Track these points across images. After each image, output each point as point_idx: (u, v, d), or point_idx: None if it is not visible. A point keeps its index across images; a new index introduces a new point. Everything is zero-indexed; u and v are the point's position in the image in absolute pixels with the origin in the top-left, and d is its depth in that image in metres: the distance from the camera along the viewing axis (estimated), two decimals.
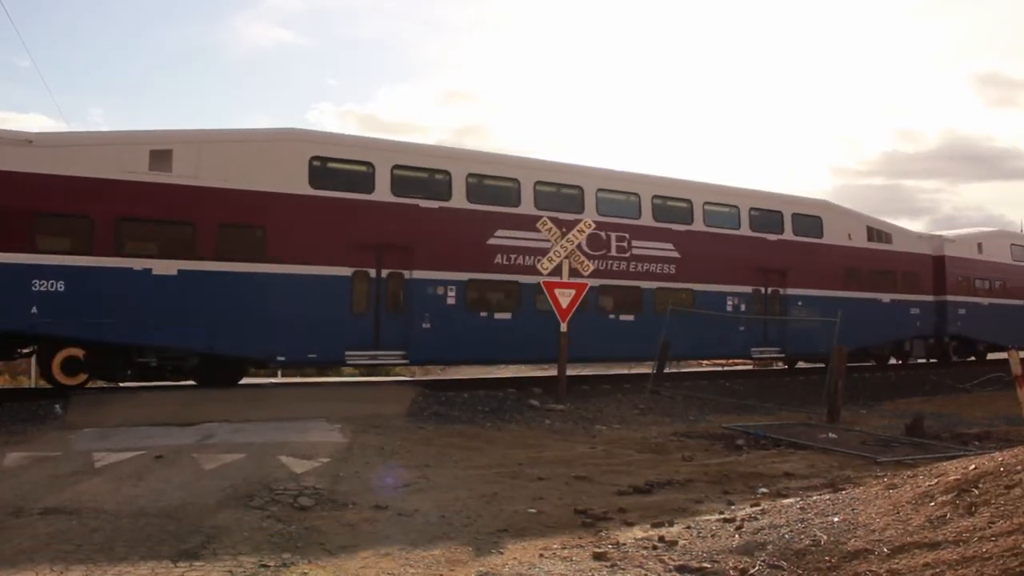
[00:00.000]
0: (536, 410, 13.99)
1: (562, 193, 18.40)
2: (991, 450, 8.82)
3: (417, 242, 16.07)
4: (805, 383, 18.73)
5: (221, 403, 12.98)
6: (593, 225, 16.07)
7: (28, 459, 8.92)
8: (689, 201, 19.97)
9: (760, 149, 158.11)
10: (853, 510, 6.02)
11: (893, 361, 25.71)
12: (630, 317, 18.62)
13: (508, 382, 17.63)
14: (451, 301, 16.40)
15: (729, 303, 20.42)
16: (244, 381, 19.33)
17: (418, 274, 16.13)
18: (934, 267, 25.39)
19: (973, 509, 5.25)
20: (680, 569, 5.32)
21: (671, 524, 6.62)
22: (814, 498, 6.97)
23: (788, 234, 21.66)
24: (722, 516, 6.82)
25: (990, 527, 4.88)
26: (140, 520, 6.52)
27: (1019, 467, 5.73)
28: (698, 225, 19.88)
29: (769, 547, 5.49)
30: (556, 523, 6.78)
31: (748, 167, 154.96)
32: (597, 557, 5.56)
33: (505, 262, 17.08)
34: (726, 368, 24.39)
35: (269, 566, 5.46)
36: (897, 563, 4.78)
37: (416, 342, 15.99)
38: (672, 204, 19.89)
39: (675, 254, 19.35)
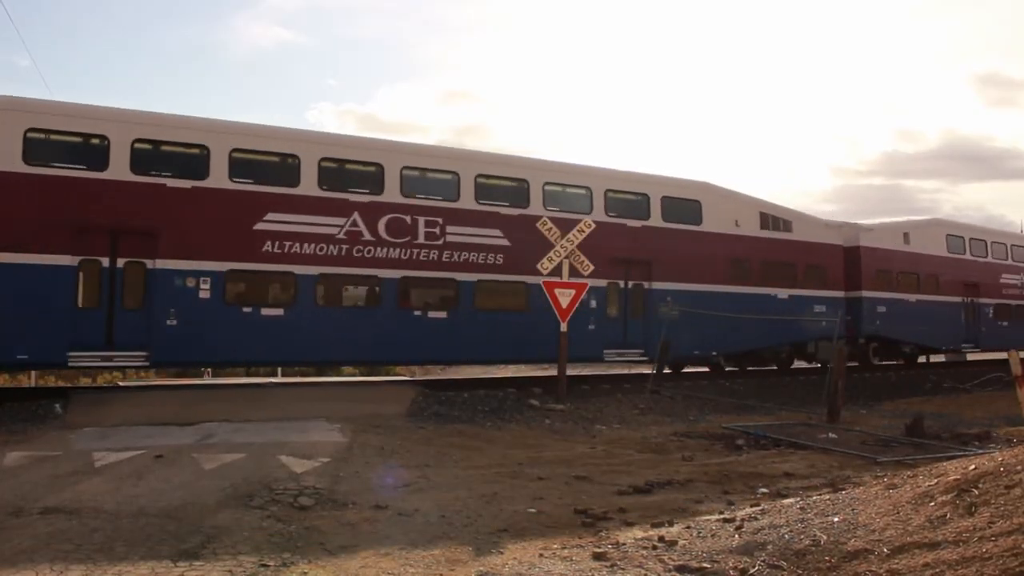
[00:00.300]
0: (536, 410, 14.01)
1: (358, 172, 16.22)
2: (991, 450, 8.84)
3: (163, 227, 13.93)
4: (805, 383, 18.75)
5: (221, 403, 13.01)
6: (593, 225, 15.74)
7: (28, 459, 8.93)
8: (525, 181, 17.64)
9: (760, 149, 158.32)
10: (853, 510, 6.02)
11: (798, 365, 22.43)
12: (441, 315, 16.43)
13: (508, 382, 17.64)
14: (205, 295, 14.26)
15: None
16: (244, 381, 19.31)
17: (163, 263, 13.95)
18: (846, 259, 22.33)
19: (973, 509, 5.25)
20: (680, 569, 5.32)
21: (671, 524, 6.63)
22: (814, 498, 6.98)
23: (656, 220, 19.06)
24: (722, 516, 6.82)
25: (990, 527, 4.88)
26: (140, 520, 6.52)
27: (1019, 467, 5.73)
28: (536, 208, 17.21)
29: (769, 547, 5.49)
30: (556, 523, 6.79)
31: (748, 167, 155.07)
32: (597, 557, 5.56)
33: (278, 250, 14.83)
34: (726, 368, 24.29)
35: (269, 566, 5.47)
36: (897, 563, 4.79)
37: (160, 342, 13.92)
38: (502, 184, 17.65)
39: (504, 242, 16.96)
